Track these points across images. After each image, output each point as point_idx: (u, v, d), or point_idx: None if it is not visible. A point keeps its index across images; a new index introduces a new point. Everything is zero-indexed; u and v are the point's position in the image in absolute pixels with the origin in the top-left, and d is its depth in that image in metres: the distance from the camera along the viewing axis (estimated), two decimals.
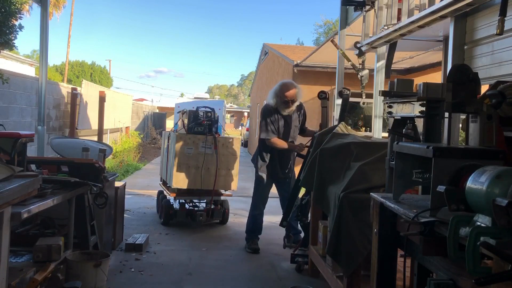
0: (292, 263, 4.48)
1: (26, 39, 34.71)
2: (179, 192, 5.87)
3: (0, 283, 2.12)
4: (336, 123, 5.05)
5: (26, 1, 6.16)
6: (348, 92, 4.42)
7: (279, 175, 5.09)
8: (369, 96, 4.99)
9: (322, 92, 4.80)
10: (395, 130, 2.69)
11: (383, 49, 5.08)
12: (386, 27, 4.46)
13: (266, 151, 5.06)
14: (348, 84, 5.37)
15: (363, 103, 4.77)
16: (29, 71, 18.69)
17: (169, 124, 27.17)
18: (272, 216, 5.97)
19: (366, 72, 4.87)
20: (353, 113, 11.23)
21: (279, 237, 5.54)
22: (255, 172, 5.19)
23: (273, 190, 5.32)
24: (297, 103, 4.95)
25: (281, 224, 4.69)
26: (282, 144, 4.93)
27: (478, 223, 1.52)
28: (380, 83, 5.22)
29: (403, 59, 9.33)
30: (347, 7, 5.76)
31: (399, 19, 4.31)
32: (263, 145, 5.08)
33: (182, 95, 53.48)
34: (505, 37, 3.15)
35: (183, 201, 6.08)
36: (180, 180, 5.75)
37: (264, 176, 5.07)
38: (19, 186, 2.23)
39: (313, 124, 10.67)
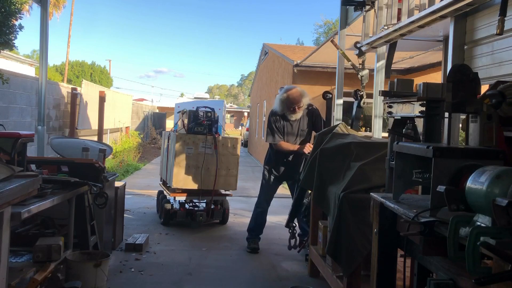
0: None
1: (26, 39, 34.75)
2: (179, 192, 5.87)
3: (0, 283, 2.12)
4: (336, 123, 5.07)
5: (26, 1, 6.16)
6: (362, 93, 4.57)
7: (287, 176, 5.18)
8: (369, 96, 5.00)
9: (327, 92, 4.87)
10: (395, 130, 2.70)
11: (383, 49, 5.08)
12: (386, 27, 4.46)
13: (273, 153, 5.17)
14: (348, 84, 5.38)
15: (363, 103, 4.78)
16: (29, 71, 18.69)
17: (169, 124, 27.20)
18: (273, 216, 5.96)
19: (366, 72, 4.87)
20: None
21: (280, 237, 5.55)
22: (262, 171, 5.32)
23: (278, 190, 5.35)
24: (304, 107, 5.01)
25: (287, 225, 4.69)
26: (288, 147, 5.02)
27: (478, 223, 1.52)
28: (380, 83, 5.22)
29: (403, 59, 9.32)
30: (347, 7, 5.75)
31: (399, 19, 4.31)
32: (271, 147, 5.21)
33: (182, 95, 53.45)
34: (505, 37, 3.15)
35: (183, 201, 6.08)
36: (180, 180, 5.75)
37: (270, 174, 5.16)
38: (19, 186, 2.23)
39: None
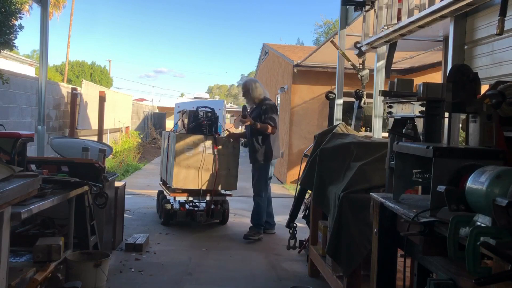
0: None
1: (26, 39, 34.60)
2: (179, 192, 5.87)
3: (0, 283, 2.11)
4: (336, 123, 5.07)
5: (26, 1, 6.16)
6: (362, 91, 4.71)
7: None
8: (369, 96, 5.00)
9: (330, 92, 4.93)
10: (395, 130, 2.70)
11: (383, 49, 5.07)
12: (386, 27, 4.45)
13: (269, 138, 5.62)
14: (348, 84, 5.38)
15: (363, 103, 4.78)
16: (29, 71, 18.67)
17: (169, 124, 27.17)
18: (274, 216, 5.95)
19: (366, 72, 4.88)
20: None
21: (280, 237, 5.56)
22: (263, 163, 5.62)
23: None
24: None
25: (287, 226, 4.69)
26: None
27: (478, 223, 1.52)
28: (380, 83, 5.21)
29: (403, 59, 9.32)
30: (347, 7, 5.75)
31: (399, 19, 4.31)
32: (268, 136, 5.61)
33: (182, 95, 53.42)
34: (505, 37, 3.15)
35: (183, 201, 6.08)
36: (180, 180, 5.75)
37: (269, 164, 5.69)
38: (19, 186, 2.23)
39: (313, 123, 10.69)
